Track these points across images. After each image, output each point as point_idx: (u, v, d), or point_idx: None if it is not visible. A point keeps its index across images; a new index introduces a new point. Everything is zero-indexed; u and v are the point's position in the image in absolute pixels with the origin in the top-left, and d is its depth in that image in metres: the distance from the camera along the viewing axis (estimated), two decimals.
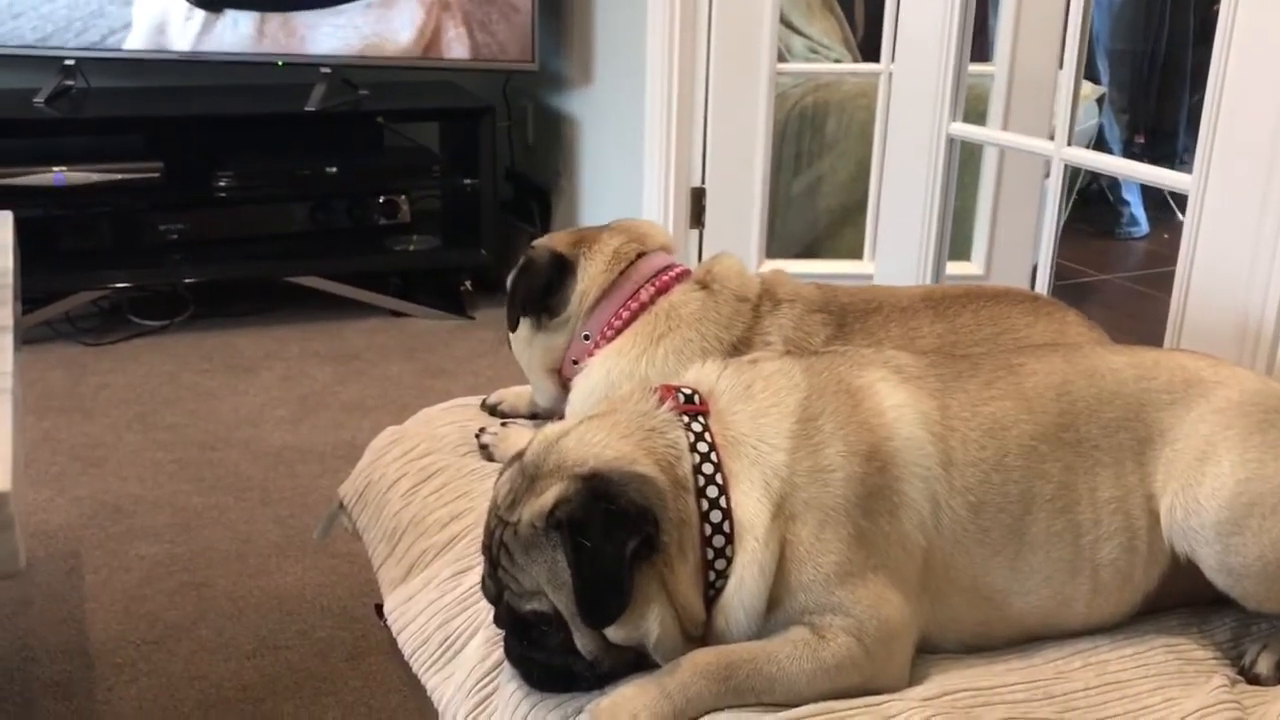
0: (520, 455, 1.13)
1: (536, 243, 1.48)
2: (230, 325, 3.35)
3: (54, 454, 2.63)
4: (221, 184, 3.31)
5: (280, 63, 3.31)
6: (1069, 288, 3.94)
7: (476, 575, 1.16)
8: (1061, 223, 3.23)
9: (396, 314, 3.48)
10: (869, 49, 3.60)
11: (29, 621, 2.05)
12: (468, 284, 3.54)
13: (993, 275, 3.03)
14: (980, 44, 3.26)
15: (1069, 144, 2.02)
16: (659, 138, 3.06)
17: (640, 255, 1.43)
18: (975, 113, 2.90)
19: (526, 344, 1.47)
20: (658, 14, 2.95)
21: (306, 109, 3.29)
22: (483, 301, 3.53)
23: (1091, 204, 4.56)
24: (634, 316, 1.38)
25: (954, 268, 2.87)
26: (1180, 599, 1.22)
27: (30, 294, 3.22)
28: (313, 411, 2.87)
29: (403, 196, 3.53)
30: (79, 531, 2.34)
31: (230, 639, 2.02)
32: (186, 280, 3.33)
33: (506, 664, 1.12)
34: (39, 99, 3.22)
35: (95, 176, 3.17)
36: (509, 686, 1.11)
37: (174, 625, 2.05)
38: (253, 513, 2.41)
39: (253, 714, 1.84)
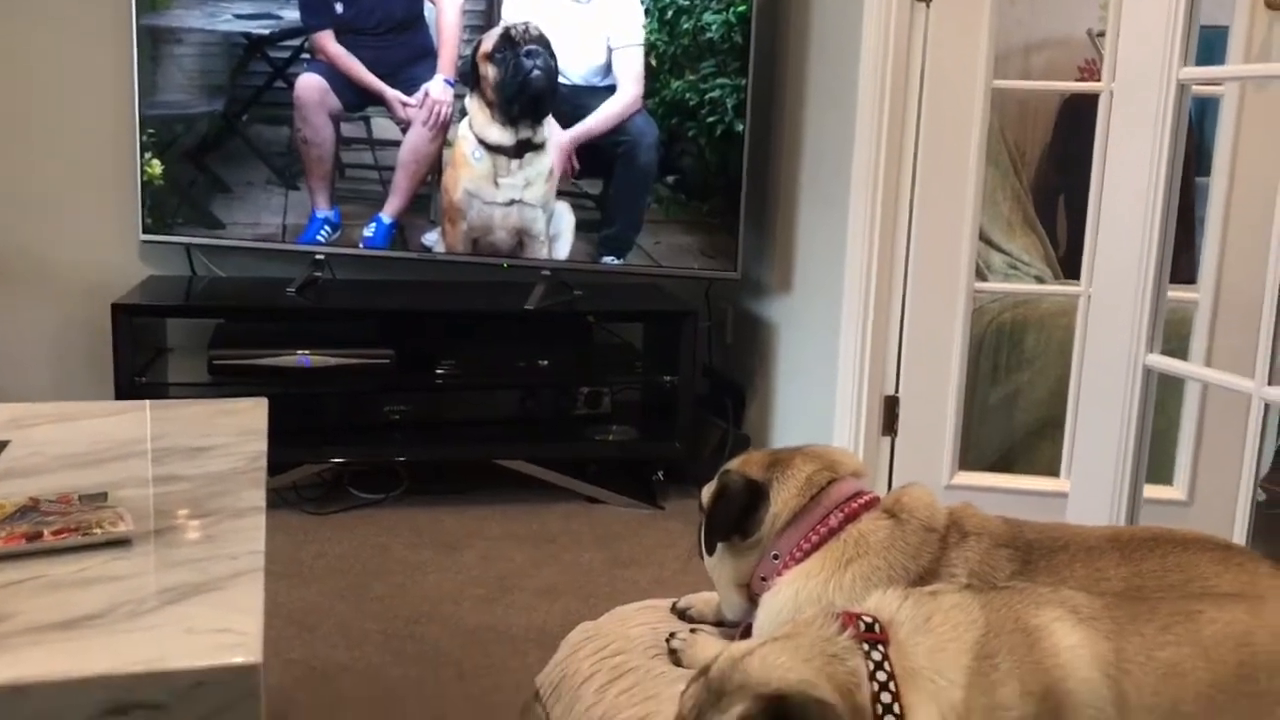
0: (706, 670, 1.20)
1: (731, 467, 1.58)
2: (439, 502, 3.57)
3: (273, 617, 2.83)
4: (443, 371, 3.58)
5: (505, 264, 3.60)
6: None
7: None
8: (1270, 452, 3.13)
9: (591, 500, 3.63)
10: (1070, 265, 3.65)
11: None
12: (660, 475, 3.68)
13: (1196, 501, 2.95)
14: (1187, 263, 3.26)
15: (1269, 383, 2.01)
16: (854, 346, 3.16)
17: (831, 482, 1.52)
18: (1179, 336, 2.89)
19: (718, 561, 1.56)
20: (858, 230, 3.10)
21: (525, 307, 3.55)
22: (673, 492, 3.66)
23: None
24: (823, 541, 1.46)
25: (1155, 491, 2.81)
26: None
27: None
28: (508, 592, 3.00)
29: (606, 390, 3.73)
30: (290, 693, 2.50)
31: None
32: (403, 458, 3.58)
33: None
34: (291, 289, 3.59)
35: (334, 360, 3.49)
36: None
37: None
38: (448, 689, 2.53)
39: None
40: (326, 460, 3.55)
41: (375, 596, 2.96)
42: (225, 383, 3.41)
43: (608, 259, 3.60)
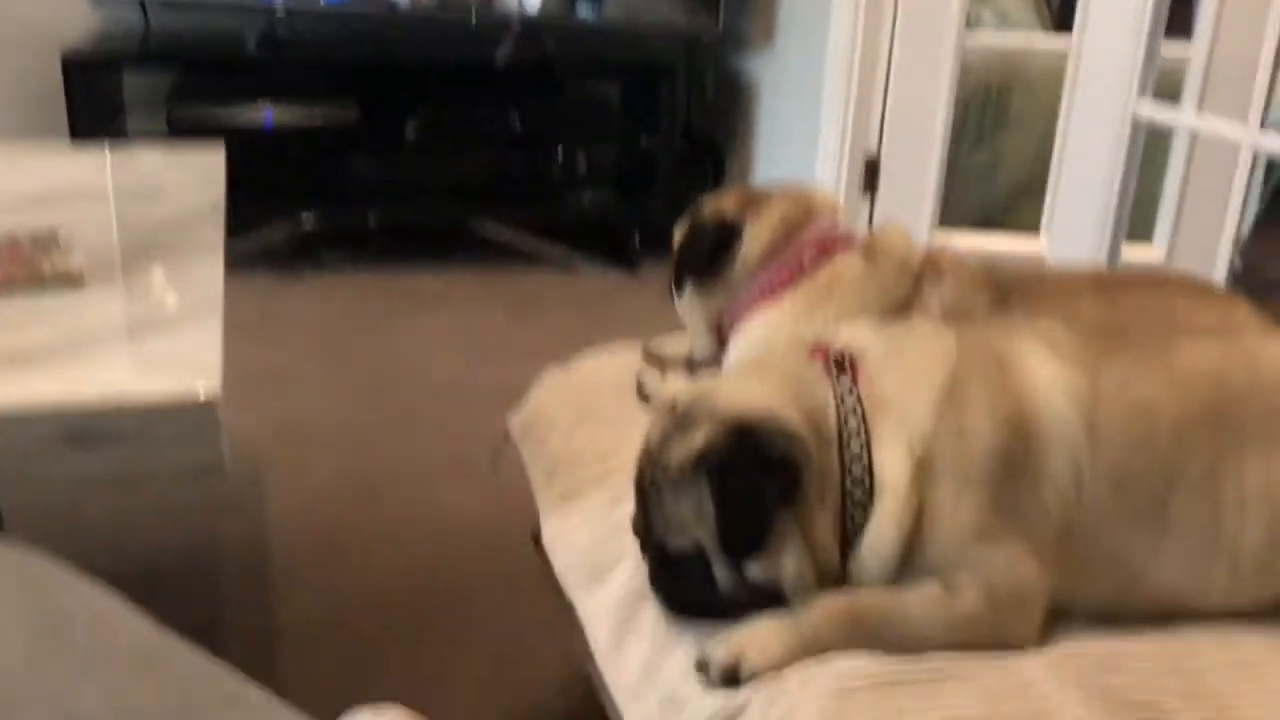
0: (675, 402, 1.19)
1: (703, 205, 1.53)
2: (411, 265, 3.52)
3: (243, 375, 2.80)
4: (411, 129, 3.46)
5: (473, 19, 3.43)
6: (1269, 288, 3.73)
7: (626, 508, 1.23)
8: (1251, 216, 3.09)
9: (566, 266, 3.59)
10: (1064, 20, 3.51)
11: (219, 523, 2.24)
12: (637, 239, 3.62)
13: (1175, 262, 2.93)
14: (1183, 18, 3.13)
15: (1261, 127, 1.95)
16: (837, 104, 3.07)
17: (806, 221, 1.47)
18: (1169, 96, 2.80)
19: (689, 302, 1.53)
20: None
21: (496, 60, 3.40)
22: (650, 258, 3.61)
23: None
24: (795, 279, 1.42)
25: (1134, 252, 2.79)
26: None
27: (231, 224, 3.45)
28: (481, 353, 3.00)
29: (581, 151, 3.63)
30: (261, 448, 2.51)
31: (392, 555, 2.16)
32: (372, 219, 3.50)
33: (650, 589, 1.19)
34: (250, 43, 3.43)
35: (298, 115, 3.36)
36: (651, 610, 1.18)
37: (343, 538, 2.20)
38: (421, 440, 2.55)
39: (412, 626, 1.98)
40: (295, 220, 3.47)
41: (346, 356, 2.95)
42: (186, 140, 3.30)
43: (583, 7, 3.43)
